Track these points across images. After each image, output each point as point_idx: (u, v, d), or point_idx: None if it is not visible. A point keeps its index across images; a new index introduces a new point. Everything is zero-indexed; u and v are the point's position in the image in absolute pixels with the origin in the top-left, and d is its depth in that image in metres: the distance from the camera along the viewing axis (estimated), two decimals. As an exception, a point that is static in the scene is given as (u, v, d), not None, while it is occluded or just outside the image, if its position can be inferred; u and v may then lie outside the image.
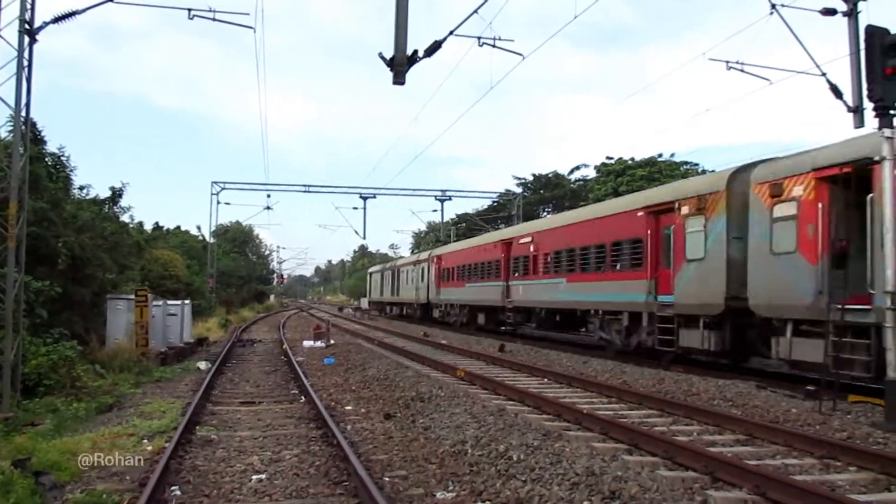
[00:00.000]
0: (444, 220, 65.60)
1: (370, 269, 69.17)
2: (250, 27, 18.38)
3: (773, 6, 17.14)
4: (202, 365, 18.20)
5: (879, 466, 6.95)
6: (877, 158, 10.32)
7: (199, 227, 59.00)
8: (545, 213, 59.66)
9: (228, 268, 61.31)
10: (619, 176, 47.87)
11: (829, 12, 17.42)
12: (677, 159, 49.85)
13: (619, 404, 11.29)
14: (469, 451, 7.99)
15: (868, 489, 6.52)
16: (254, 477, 7.18)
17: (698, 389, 12.40)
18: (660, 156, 49.62)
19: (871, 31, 10.36)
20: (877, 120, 10.26)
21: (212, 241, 54.00)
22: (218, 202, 50.20)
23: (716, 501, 6.04)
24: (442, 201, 53.53)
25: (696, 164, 49.56)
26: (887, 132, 10.02)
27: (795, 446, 8.00)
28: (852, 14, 17.51)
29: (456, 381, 14.28)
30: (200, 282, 43.19)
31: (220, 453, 8.31)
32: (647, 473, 6.76)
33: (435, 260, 39.03)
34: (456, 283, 35.47)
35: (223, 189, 50.20)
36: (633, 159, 49.67)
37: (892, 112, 10.10)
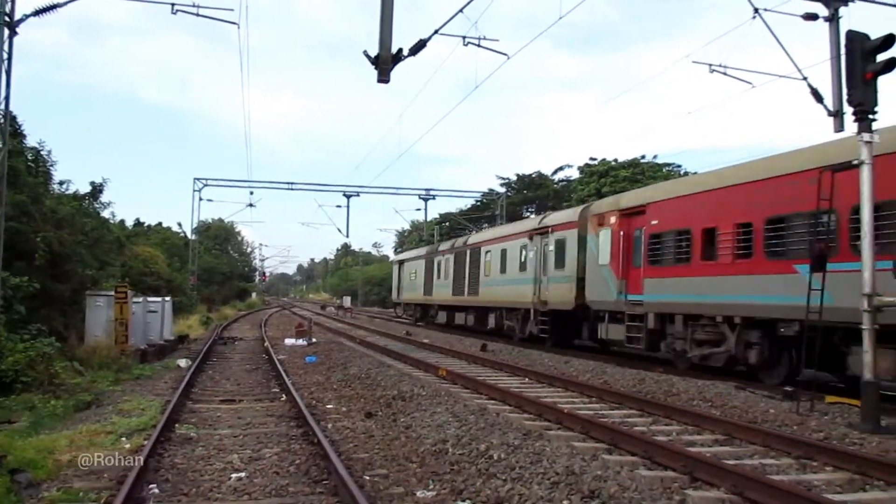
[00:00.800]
0: (428, 220, 65.62)
1: (399, 256, 50.86)
2: (234, 23, 18.31)
3: (756, 10, 17.27)
4: (182, 362, 18.07)
5: (855, 466, 7.04)
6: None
7: (180, 224, 58.53)
8: (528, 214, 59.81)
9: (210, 265, 60.86)
10: (603, 177, 48.07)
11: (811, 17, 17.54)
12: (660, 161, 50.21)
13: (600, 404, 11.35)
14: (450, 450, 7.99)
15: (844, 489, 6.60)
16: (233, 475, 7.14)
17: (678, 390, 12.49)
18: (643, 157, 49.91)
19: (852, 36, 10.50)
20: (856, 124, 10.40)
21: (193, 237, 53.57)
22: (200, 199, 49.75)
23: (694, 501, 6.08)
24: (426, 200, 53.45)
25: (679, 166, 49.95)
26: (866, 136, 10.14)
27: (773, 446, 8.08)
28: (833, 19, 17.65)
29: (438, 380, 14.29)
30: (182, 279, 42.87)
31: (199, 451, 8.25)
32: (626, 473, 6.79)
33: (618, 221, 18.99)
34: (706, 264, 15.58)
35: (206, 185, 49.79)
36: (616, 160, 49.90)
37: (870, 116, 10.25)
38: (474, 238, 33.15)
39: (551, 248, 22.92)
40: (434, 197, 52.87)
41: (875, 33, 10.30)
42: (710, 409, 10.80)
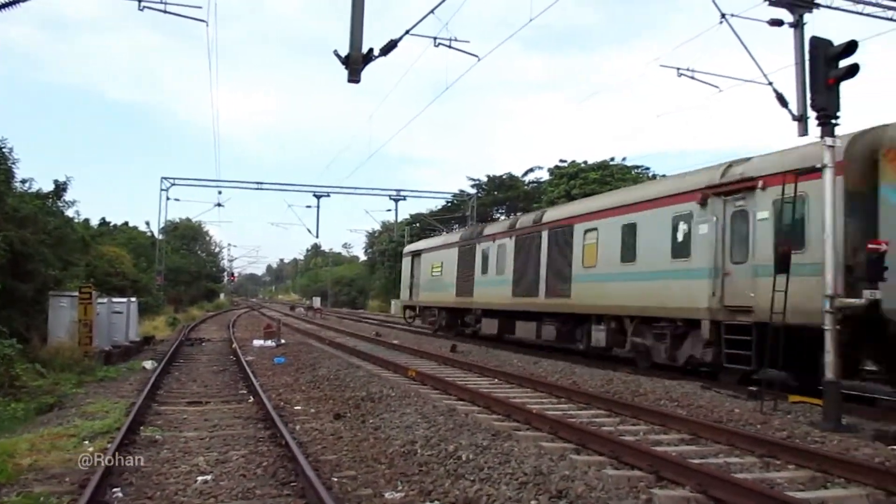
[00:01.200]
0: (399, 220, 65.54)
1: (414, 247, 36.98)
2: (202, 20, 18.03)
3: (723, 15, 17.54)
4: (148, 364, 17.80)
5: (816, 464, 7.17)
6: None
7: (148, 224, 57.74)
8: (499, 215, 60.02)
9: (177, 265, 60.08)
10: (572, 179, 48.39)
11: (776, 23, 17.84)
12: (629, 163, 50.74)
13: (569, 404, 11.42)
14: (419, 451, 7.98)
15: (806, 486, 6.72)
16: (199, 478, 7.05)
17: (645, 390, 12.62)
18: (612, 159, 50.36)
19: (816, 42, 10.69)
20: (819, 128, 10.59)
21: (160, 237, 52.88)
22: (167, 198, 49.28)
23: (660, 500, 6.14)
24: (396, 201, 53.54)
25: (648, 168, 50.61)
26: (828, 141, 10.34)
27: (738, 445, 8.20)
28: (798, 25, 17.99)
29: (407, 381, 14.27)
30: (148, 279, 42.30)
31: (164, 454, 8.14)
32: (593, 472, 6.84)
33: None
34: None
35: (173, 185, 49.26)
36: (585, 162, 50.29)
37: (833, 121, 10.45)
38: (557, 212, 22.07)
39: (764, 215, 13.11)
40: (405, 198, 53.01)
41: (839, 39, 10.49)
42: (677, 408, 10.93)
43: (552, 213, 22.31)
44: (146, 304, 34.57)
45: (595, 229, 18.64)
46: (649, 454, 7.28)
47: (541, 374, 15.49)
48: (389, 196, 52.96)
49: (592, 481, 6.43)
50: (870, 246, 9.76)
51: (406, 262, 36.33)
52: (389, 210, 59.01)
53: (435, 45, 18.42)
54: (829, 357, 9.85)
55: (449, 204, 64.25)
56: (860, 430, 9.30)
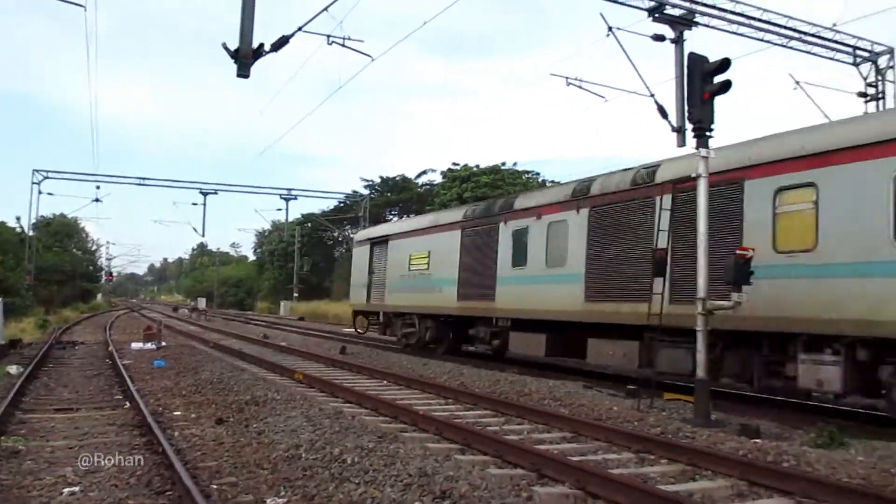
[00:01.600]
0: (290, 220, 64.35)
1: (373, 232, 27.78)
2: (80, 5, 17.08)
3: (610, 28, 18.28)
4: (13, 369, 16.61)
5: (687, 458, 7.55)
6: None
7: (18, 219, 54.07)
8: (392, 216, 60.00)
9: (50, 263, 56.58)
10: (465, 182, 49.08)
11: (659, 38, 18.84)
12: (520, 168, 51.96)
13: (456, 405, 11.53)
14: (303, 455, 7.82)
15: (677, 480, 7.06)
16: (66, 490, 6.63)
17: (531, 390, 12.92)
18: (503, 164, 51.43)
19: (693, 58, 11.27)
20: (695, 140, 11.18)
21: (31, 234, 49.64)
22: (40, 192, 46.28)
23: (540, 497, 6.29)
24: (287, 200, 52.52)
25: (538, 174, 52.02)
26: (703, 152, 10.92)
27: (615, 442, 8.53)
28: (678, 42, 19.05)
29: (294, 384, 14.00)
30: (16, 278, 39.64)
31: (28, 465, 7.61)
32: (477, 472, 6.93)
33: None
34: None
35: (46, 178, 46.36)
36: (478, 166, 51.10)
37: (707, 134, 11.05)
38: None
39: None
40: (296, 197, 52.21)
41: (718, 56, 11.02)
42: (560, 407, 11.24)
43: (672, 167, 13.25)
44: (13, 306, 32.37)
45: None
46: (531, 453, 7.45)
47: (429, 375, 15.57)
48: (280, 195, 51.99)
49: (476, 481, 6.50)
50: (737, 252, 10.37)
51: (360, 254, 26.80)
52: (280, 209, 57.73)
53: (328, 44, 18.24)
54: (701, 356, 10.40)
55: (341, 204, 63.70)
56: (727, 425, 9.87)
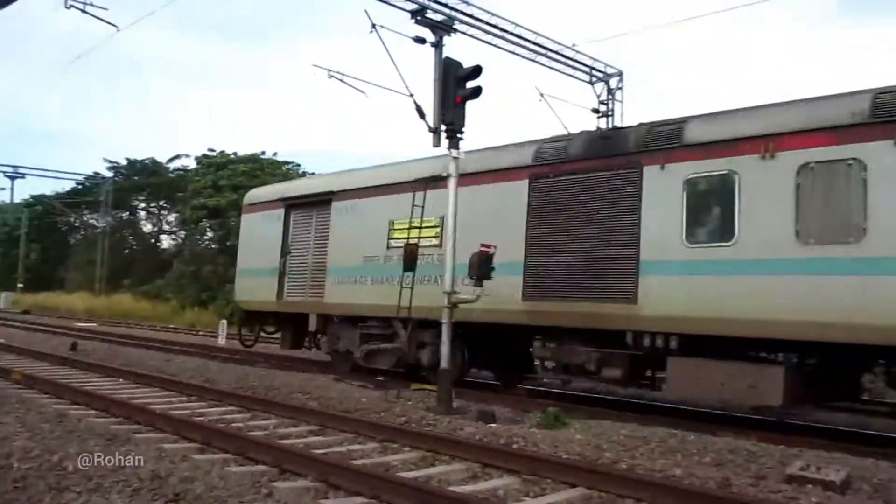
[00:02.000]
0: (16, 202, 57.28)
1: (298, 186, 18.83)
2: None
3: (374, 25, 18.45)
4: None
5: (428, 445, 7.85)
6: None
7: None
8: (138, 202, 55.82)
9: None
10: (221, 169, 47.00)
11: (420, 41, 19.32)
12: (280, 158, 50.83)
13: (200, 402, 10.95)
14: (15, 465, 6.92)
15: (417, 466, 7.29)
16: None
17: (280, 384, 12.68)
18: (263, 153, 50.02)
19: (448, 63, 11.81)
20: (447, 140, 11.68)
21: None
22: None
23: (280, 492, 6.16)
24: (13, 179, 46.73)
25: (299, 165, 51.21)
26: (454, 152, 11.45)
27: (362, 433, 8.62)
28: (438, 46, 19.72)
29: (10, 384, 12.40)
30: None
31: None
32: (216, 471, 6.60)
33: None
34: None
35: None
36: (235, 154, 49.20)
37: (458, 136, 11.61)
38: None
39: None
40: (24, 176, 46.62)
41: (474, 62, 11.59)
42: (309, 401, 11.13)
43: None
44: None
45: None
46: (274, 448, 7.29)
47: (172, 371, 14.65)
48: (4, 173, 46.09)
49: (214, 480, 6.20)
50: (481, 248, 10.99)
51: (259, 223, 17.92)
52: (4, 189, 51.37)
53: (66, 7, 16.45)
54: (445, 348, 10.90)
55: (80, 186, 57.96)
56: (467, 412, 10.44)
